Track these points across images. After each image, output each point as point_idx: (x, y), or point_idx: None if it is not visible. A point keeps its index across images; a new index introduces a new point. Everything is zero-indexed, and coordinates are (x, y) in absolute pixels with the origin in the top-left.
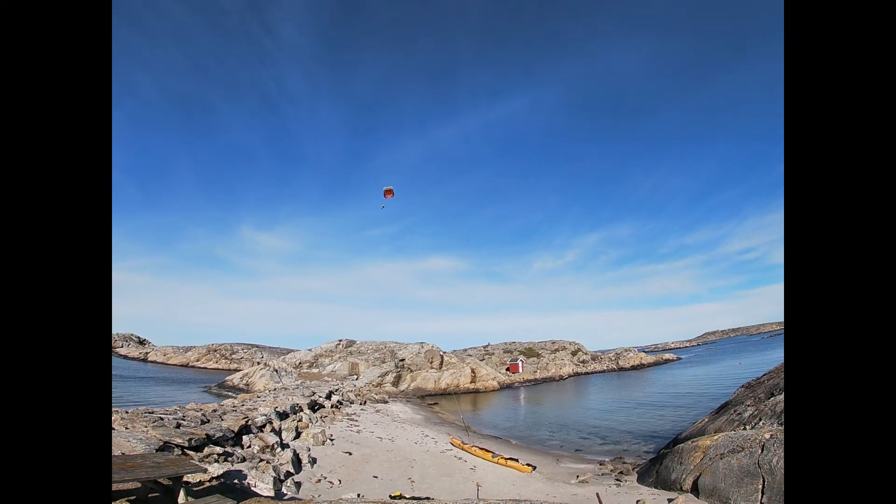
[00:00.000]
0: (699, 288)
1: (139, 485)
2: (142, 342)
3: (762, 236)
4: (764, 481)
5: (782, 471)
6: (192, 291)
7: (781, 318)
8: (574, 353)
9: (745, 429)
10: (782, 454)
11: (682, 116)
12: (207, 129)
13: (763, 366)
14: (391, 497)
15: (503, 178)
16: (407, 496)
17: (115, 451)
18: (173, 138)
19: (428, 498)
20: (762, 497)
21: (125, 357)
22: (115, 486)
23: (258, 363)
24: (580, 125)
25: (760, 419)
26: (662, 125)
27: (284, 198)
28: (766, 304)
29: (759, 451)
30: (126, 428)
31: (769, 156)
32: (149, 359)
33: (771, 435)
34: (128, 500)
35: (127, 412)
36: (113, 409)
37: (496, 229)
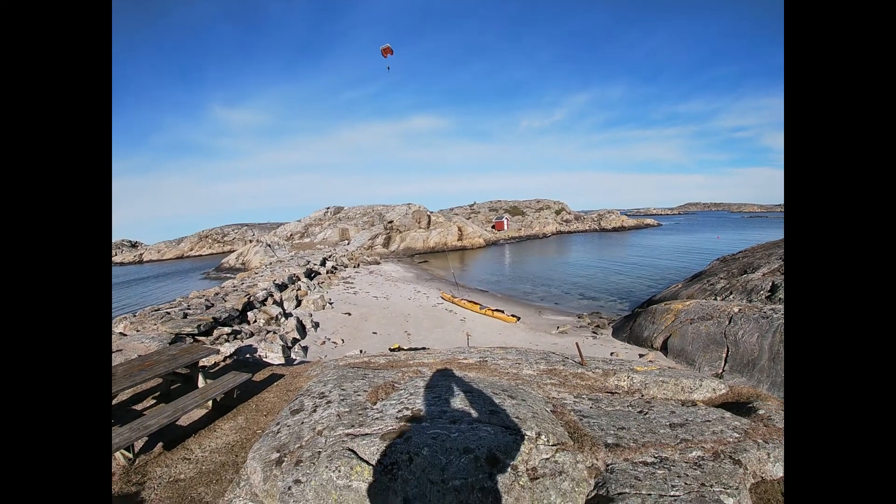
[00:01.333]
0: (686, 159)
1: (161, 380)
2: (134, 245)
3: (757, 117)
4: (728, 351)
5: (746, 344)
6: (175, 183)
7: (764, 201)
8: (557, 213)
9: (716, 299)
10: (748, 328)
11: None
12: (159, 7)
13: (740, 244)
14: (391, 350)
15: (488, 32)
16: (405, 348)
17: (132, 355)
18: (125, 27)
19: (424, 348)
20: (725, 364)
21: (120, 264)
22: (138, 388)
23: (250, 241)
24: None
25: (731, 293)
26: None
27: (252, 68)
28: (750, 185)
29: (727, 322)
30: (137, 331)
31: (775, 38)
32: (144, 259)
33: (739, 309)
34: (153, 398)
35: (135, 315)
36: (121, 315)
37: (481, 86)
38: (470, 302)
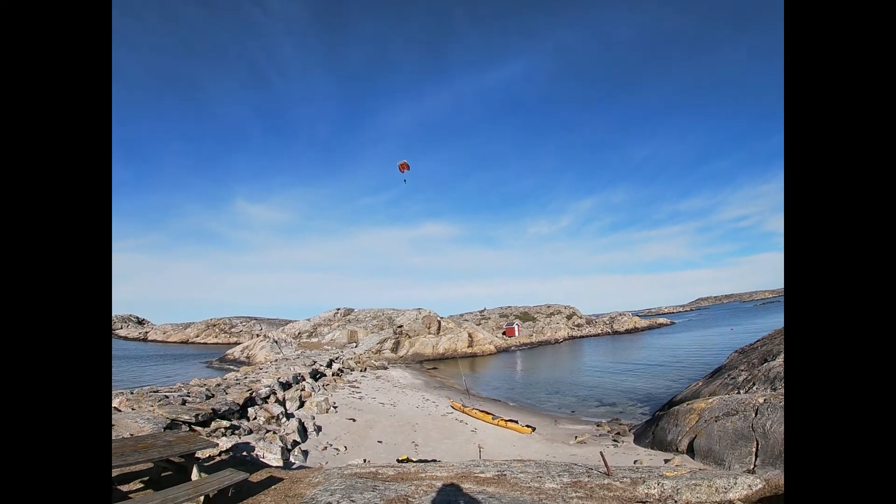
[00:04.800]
0: (693, 254)
1: (151, 464)
2: (140, 322)
3: (757, 205)
4: (758, 444)
5: (776, 434)
6: (189, 268)
7: (774, 286)
8: (569, 317)
9: (738, 393)
10: (776, 418)
11: (679, 86)
12: (197, 104)
13: (755, 332)
14: (398, 461)
15: (497, 143)
16: (414, 459)
17: (125, 433)
18: (162, 115)
19: (434, 460)
20: (756, 459)
21: (125, 338)
22: (128, 469)
23: (257, 335)
24: (576, 92)
25: (754, 384)
26: (659, 94)
27: (277, 169)
28: (759, 272)
29: (754, 414)
30: (132, 409)
31: (765, 126)
32: (148, 338)
33: (765, 399)
34: (141, 482)
35: (132, 393)
36: (118, 390)
37: (490, 195)
38: (482, 412)
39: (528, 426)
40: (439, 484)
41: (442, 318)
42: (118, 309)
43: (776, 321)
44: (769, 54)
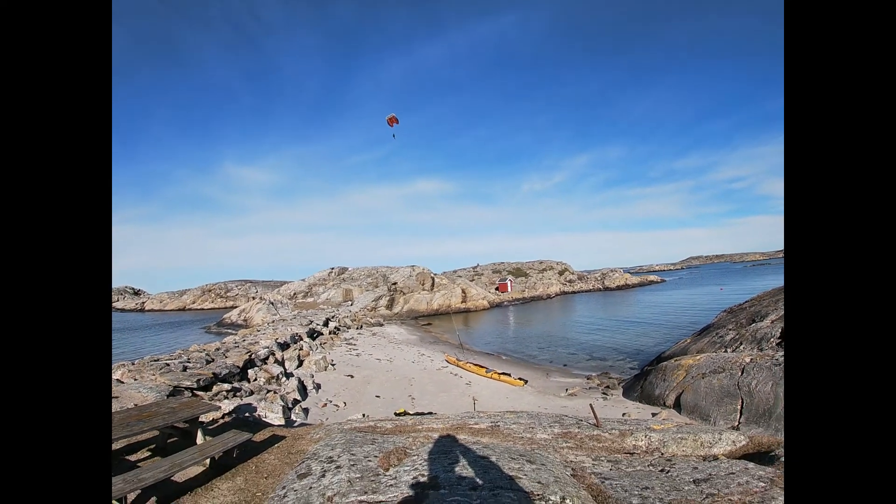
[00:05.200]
0: (685, 213)
1: (157, 432)
2: (136, 293)
3: (752, 167)
4: (743, 402)
5: (761, 393)
6: (182, 236)
7: (765, 249)
8: (561, 273)
9: (726, 351)
10: (762, 377)
11: (678, 44)
12: (181, 69)
13: (744, 293)
14: (396, 414)
15: (490, 98)
16: (411, 412)
17: (129, 404)
18: (145, 83)
19: (430, 413)
20: (740, 417)
21: (122, 310)
22: (134, 438)
23: (253, 298)
24: (572, 47)
25: (741, 343)
26: (657, 51)
27: (266, 130)
28: (751, 234)
29: (740, 373)
30: (135, 379)
31: (763, 89)
32: (146, 308)
33: (751, 359)
34: (148, 450)
35: (133, 363)
36: (119, 362)
37: (484, 151)
38: (475, 365)
39: (520, 379)
40: (435, 435)
41: (436, 274)
42: (114, 282)
43: (765, 283)
44: (771, 15)
